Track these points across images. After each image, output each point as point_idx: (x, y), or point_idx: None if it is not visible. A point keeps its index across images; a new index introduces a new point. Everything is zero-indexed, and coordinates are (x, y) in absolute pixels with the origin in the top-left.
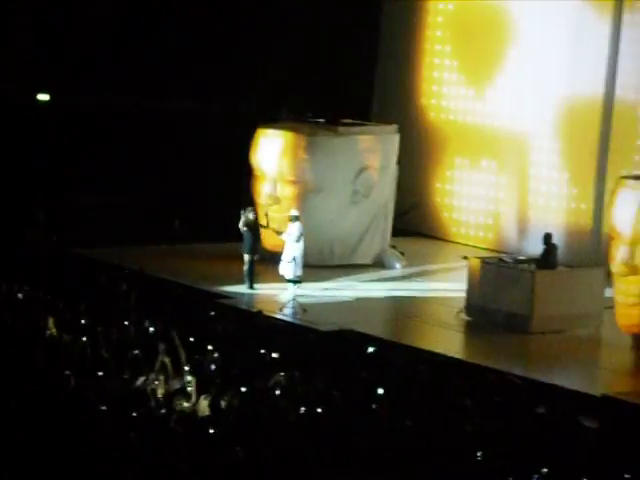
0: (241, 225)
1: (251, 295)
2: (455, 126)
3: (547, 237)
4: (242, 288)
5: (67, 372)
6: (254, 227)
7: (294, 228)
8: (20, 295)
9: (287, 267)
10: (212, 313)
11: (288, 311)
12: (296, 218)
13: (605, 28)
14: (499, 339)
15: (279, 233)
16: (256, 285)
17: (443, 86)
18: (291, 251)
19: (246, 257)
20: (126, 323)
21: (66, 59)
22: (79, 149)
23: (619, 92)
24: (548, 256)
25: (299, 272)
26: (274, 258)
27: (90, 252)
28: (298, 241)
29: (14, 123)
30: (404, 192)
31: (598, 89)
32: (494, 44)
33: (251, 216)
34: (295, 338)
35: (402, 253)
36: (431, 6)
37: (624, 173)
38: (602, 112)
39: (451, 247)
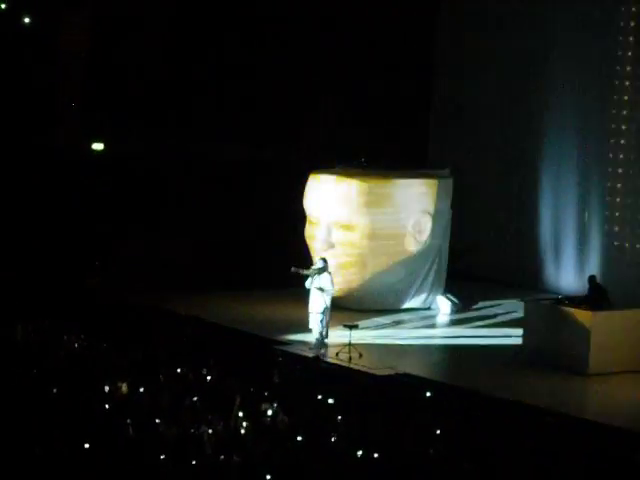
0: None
1: (307, 342)
2: None
3: (592, 279)
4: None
5: (127, 421)
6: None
7: (324, 279)
8: (76, 344)
9: (316, 318)
10: (269, 359)
11: (344, 356)
12: (323, 270)
13: None
14: (556, 380)
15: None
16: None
17: None
18: (322, 303)
19: None
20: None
21: (118, 107)
22: (134, 197)
23: None
24: (598, 296)
25: (325, 324)
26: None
27: (147, 300)
28: (328, 292)
29: (69, 172)
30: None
31: None
32: None
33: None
34: (351, 383)
35: (457, 297)
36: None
37: None
38: None
39: (508, 290)
